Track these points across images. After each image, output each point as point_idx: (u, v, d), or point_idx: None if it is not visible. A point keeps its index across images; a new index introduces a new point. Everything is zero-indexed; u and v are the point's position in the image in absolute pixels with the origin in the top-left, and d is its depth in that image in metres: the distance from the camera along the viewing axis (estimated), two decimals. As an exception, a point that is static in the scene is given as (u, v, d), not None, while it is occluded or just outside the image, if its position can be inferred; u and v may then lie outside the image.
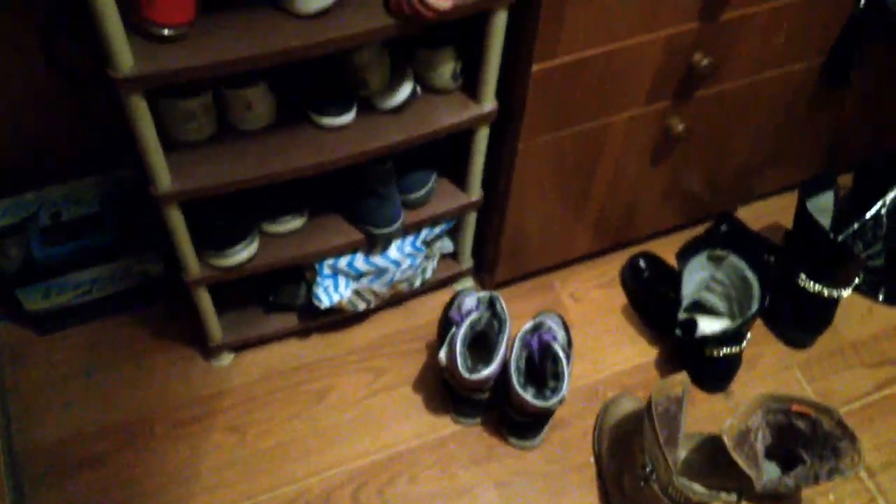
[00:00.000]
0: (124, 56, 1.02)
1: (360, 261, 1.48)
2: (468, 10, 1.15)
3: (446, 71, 1.31)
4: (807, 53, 1.44)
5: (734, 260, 1.54)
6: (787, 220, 1.67)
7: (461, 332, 1.40)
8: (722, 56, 1.34)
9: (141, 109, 1.09)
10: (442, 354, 1.42)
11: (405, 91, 1.30)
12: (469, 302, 1.46)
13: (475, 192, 1.49)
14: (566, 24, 1.18)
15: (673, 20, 1.25)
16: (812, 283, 1.56)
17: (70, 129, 1.48)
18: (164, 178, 1.20)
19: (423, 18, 1.09)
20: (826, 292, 1.56)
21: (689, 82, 1.37)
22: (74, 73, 1.39)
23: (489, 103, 1.32)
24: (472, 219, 1.56)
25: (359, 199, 1.41)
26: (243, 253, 1.37)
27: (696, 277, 1.57)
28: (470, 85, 1.33)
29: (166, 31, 1.04)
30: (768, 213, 1.83)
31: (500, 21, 1.19)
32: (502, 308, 1.45)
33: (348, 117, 1.29)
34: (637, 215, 1.65)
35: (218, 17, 1.09)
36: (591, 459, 1.49)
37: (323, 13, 1.10)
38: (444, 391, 1.53)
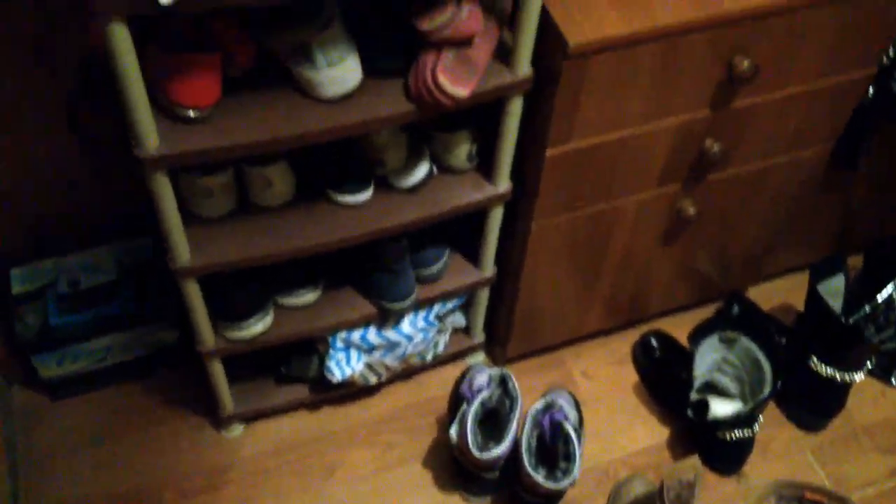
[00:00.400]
0: (150, 136, 1.05)
1: (372, 334, 1.49)
2: (485, 98, 1.18)
3: (462, 152, 1.34)
4: (816, 139, 1.47)
5: (746, 342, 1.54)
6: (799, 301, 1.67)
7: (472, 410, 1.40)
8: (733, 142, 1.36)
9: (164, 187, 1.11)
10: (452, 432, 1.42)
11: (422, 171, 1.33)
12: (480, 379, 1.47)
13: (488, 269, 1.50)
14: (580, 111, 1.21)
15: (684, 108, 1.28)
16: (824, 366, 1.56)
17: (91, 196, 1.51)
18: (183, 252, 1.22)
19: (441, 106, 1.12)
20: (839, 376, 1.56)
21: (701, 167, 1.39)
22: (97, 142, 1.42)
23: (504, 184, 1.34)
24: (484, 294, 1.57)
25: (373, 273, 1.43)
26: (258, 325, 1.38)
27: (708, 359, 1.57)
28: (485, 165, 1.35)
29: (192, 113, 1.07)
30: (780, 293, 1.83)
31: (515, 107, 1.22)
32: (514, 386, 1.45)
33: (366, 195, 1.31)
34: (649, 294, 1.66)
35: (241, 99, 1.12)
36: (601, 542, 1.48)
37: (344, 98, 1.14)
38: (453, 468, 1.52)
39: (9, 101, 1.34)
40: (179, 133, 1.08)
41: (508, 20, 1.18)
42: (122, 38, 0.93)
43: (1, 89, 1.32)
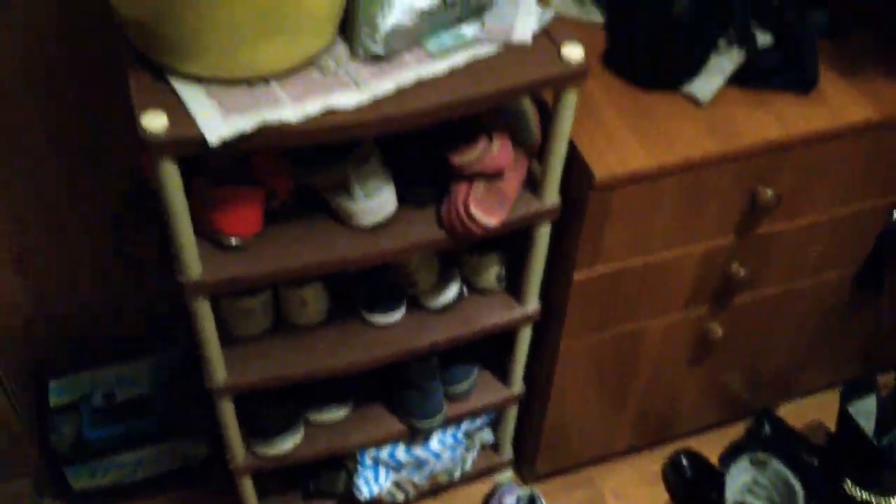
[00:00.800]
0: (194, 264, 1.09)
1: (401, 451, 1.50)
2: (514, 225, 1.22)
3: (491, 274, 1.37)
4: (841, 263, 1.49)
5: (777, 465, 1.52)
6: (830, 419, 1.65)
7: (500, 532, 1.39)
8: (758, 266, 1.39)
9: (204, 311, 1.15)
10: (480, 554, 1.40)
11: (452, 292, 1.36)
12: (509, 499, 1.46)
13: (517, 386, 1.52)
14: (606, 237, 1.24)
15: (709, 235, 1.31)
16: (858, 489, 1.53)
17: (130, 310, 1.56)
18: (219, 372, 1.25)
19: (473, 235, 1.16)
20: (874, 500, 1.53)
21: (727, 290, 1.41)
22: (140, 261, 1.48)
23: (532, 305, 1.37)
24: (513, 412, 1.58)
25: (402, 391, 1.45)
26: (288, 443, 1.40)
27: (739, 480, 1.56)
28: (514, 286, 1.38)
29: (234, 241, 1.12)
30: (811, 411, 1.82)
31: (543, 233, 1.26)
32: (542, 507, 1.44)
33: (398, 315, 1.34)
34: (678, 412, 1.65)
35: (281, 227, 1.17)
36: None
37: (379, 226, 1.18)
38: (480, 591, 1.50)
39: (56, 219, 1.41)
40: (221, 260, 1.12)
41: (537, 152, 1.23)
42: (172, 176, 0.98)
43: (50, 208, 1.39)
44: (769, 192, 1.25)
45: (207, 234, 1.13)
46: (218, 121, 0.94)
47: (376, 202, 1.14)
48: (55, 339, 1.56)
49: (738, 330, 1.49)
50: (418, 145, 1.20)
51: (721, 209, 1.28)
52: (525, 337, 1.43)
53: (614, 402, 1.56)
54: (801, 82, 1.24)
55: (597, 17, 1.33)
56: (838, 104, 1.25)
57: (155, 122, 0.92)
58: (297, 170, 1.16)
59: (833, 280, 1.51)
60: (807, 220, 1.36)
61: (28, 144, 1.31)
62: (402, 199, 1.18)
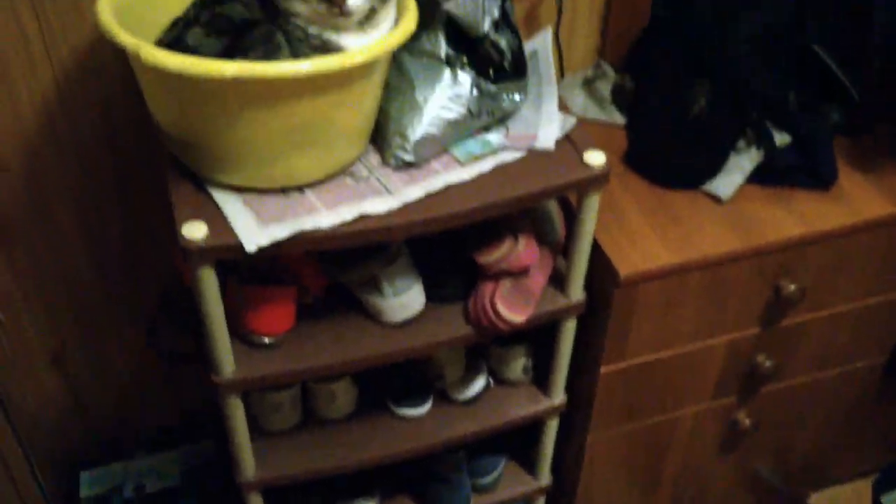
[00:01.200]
0: (227, 363, 1.12)
1: (428, 544, 1.49)
2: (540, 320, 1.24)
3: (518, 366, 1.39)
4: (868, 353, 1.49)
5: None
6: (865, 509, 1.64)
7: None
8: (784, 357, 1.39)
9: (236, 408, 1.17)
10: None
11: (479, 384, 1.38)
12: None
13: (544, 478, 1.51)
14: (632, 331, 1.26)
15: (734, 327, 1.32)
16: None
17: (161, 403, 1.59)
18: (249, 467, 1.26)
19: (499, 331, 1.18)
20: None
21: (754, 381, 1.41)
22: (173, 355, 1.51)
23: (559, 397, 1.38)
24: (541, 502, 1.57)
25: (429, 483, 1.45)
26: (316, 536, 1.40)
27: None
28: (541, 378, 1.39)
29: (266, 340, 1.15)
30: (844, 499, 1.79)
31: (569, 328, 1.28)
32: None
33: (425, 408, 1.36)
34: (709, 502, 1.64)
35: (312, 323, 1.20)
36: None
37: (407, 322, 1.21)
38: None
39: (92, 318, 1.45)
40: (254, 358, 1.15)
41: (561, 248, 1.26)
42: (210, 281, 1.01)
43: (86, 307, 1.44)
44: (792, 287, 1.26)
45: (240, 332, 1.16)
46: (255, 229, 0.98)
47: (405, 300, 1.17)
48: (88, 432, 1.59)
49: (766, 419, 1.49)
50: (446, 244, 1.23)
51: (745, 303, 1.29)
52: (552, 429, 1.43)
53: (644, 492, 1.55)
54: (820, 179, 1.27)
55: (618, 118, 1.37)
56: (857, 200, 1.27)
57: (195, 232, 0.97)
58: (328, 268, 1.19)
59: (861, 370, 1.51)
60: (831, 312, 1.37)
61: (67, 247, 1.36)
62: (429, 295, 1.21)
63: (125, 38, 0.90)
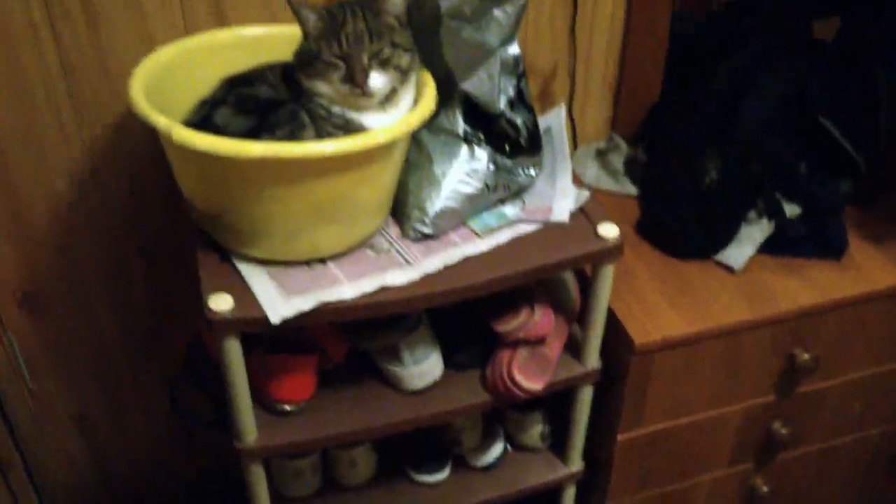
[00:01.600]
0: (250, 431, 1.14)
1: None
2: (557, 388, 1.25)
3: (535, 432, 1.40)
4: (885, 418, 1.49)
5: None
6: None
7: None
8: (800, 424, 1.40)
9: (258, 475, 1.19)
10: None
11: (497, 450, 1.39)
12: None
13: (562, 545, 1.51)
14: (648, 399, 1.27)
15: (750, 395, 1.33)
16: None
17: (182, 468, 1.61)
18: (269, 534, 1.27)
19: (516, 398, 1.20)
20: None
21: (770, 447, 1.41)
22: (196, 422, 1.53)
23: (576, 464, 1.38)
24: (559, 570, 1.56)
25: (448, 550, 1.45)
26: None
27: None
28: (558, 444, 1.40)
29: (287, 408, 1.17)
30: (866, 567, 1.77)
31: (586, 395, 1.29)
32: None
33: (443, 475, 1.36)
34: (727, 570, 1.62)
35: (332, 389, 1.21)
36: None
37: (426, 389, 1.22)
38: None
39: (114, 382, 1.48)
40: (276, 425, 1.17)
41: (577, 317, 1.28)
42: (234, 351, 1.04)
43: (109, 372, 1.47)
44: (806, 355, 1.27)
45: (263, 399, 1.18)
46: (279, 302, 1.01)
47: (424, 368, 1.19)
48: (110, 495, 1.60)
49: (784, 485, 1.49)
50: (464, 311, 1.25)
51: (760, 371, 1.31)
52: (570, 496, 1.43)
53: (662, 560, 1.54)
54: (831, 250, 1.29)
55: (631, 189, 1.41)
56: (868, 269, 1.29)
57: (221, 304, 1.00)
58: (349, 335, 1.22)
59: (875, 436, 1.50)
60: (846, 379, 1.38)
61: (94, 314, 1.40)
62: (448, 362, 1.23)
63: (158, 120, 0.94)
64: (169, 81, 1.07)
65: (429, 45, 1.06)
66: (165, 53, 1.08)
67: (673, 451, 1.36)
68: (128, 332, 1.43)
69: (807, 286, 1.26)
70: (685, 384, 1.28)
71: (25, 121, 1.19)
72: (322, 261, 1.07)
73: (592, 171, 1.43)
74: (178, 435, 1.56)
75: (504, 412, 1.41)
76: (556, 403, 1.37)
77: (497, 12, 1.06)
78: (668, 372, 1.25)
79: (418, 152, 1.11)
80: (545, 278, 1.24)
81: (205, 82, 1.08)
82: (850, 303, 1.26)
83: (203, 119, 1.02)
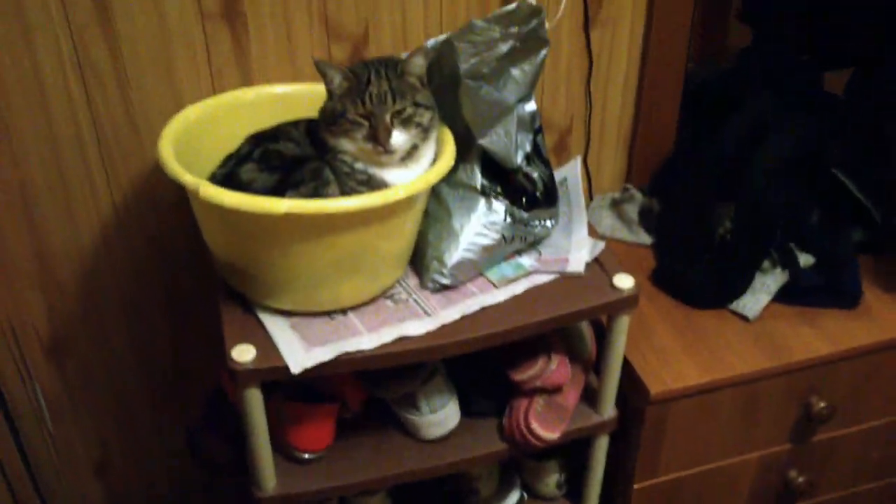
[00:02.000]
0: (269, 478, 1.15)
1: None
2: (573, 436, 1.26)
3: (552, 481, 1.40)
4: (903, 467, 1.49)
5: None
6: None
7: None
8: (817, 473, 1.40)
9: (277, 523, 1.20)
10: None
11: (513, 499, 1.39)
12: None
13: None
14: (664, 447, 1.28)
15: (765, 443, 1.34)
16: None
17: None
18: (287, 582, 1.27)
19: (533, 447, 1.21)
20: None
21: (787, 496, 1.41)
22: (213, 466, 1.54)
23: (593, 513, 1.39)
24: None
25: None
26: None
27: None
28: (574, 492, 1.40)
29: (306, 456, 1.19)
30: None
31: (602, 444, 1.30)
32: None
33: (459, 523, 1.37)
34: None
35: (350, 437, 1.23)
36: None
37: (443, 438, 1.24)
38: None
39: (136, 423, 1.50)
40: (295, 473, 1.18)
41: (593, 366, 1.29)
42: (255, 400, 1.06)
43: (130, 419, 1.49)
44: (822, 404, 1.28)
45: (282, 447, 1.20)
46: (301, 352, 1.03)
47: (441, 417, 1.21)
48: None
49: (802, 535, 1.48)
50: (481, 361, 1.27)
51: (776, 419, 1.31)
52: (586, 544, 1.43)
53: None
54: (845, 299, 1.30)
55: (645, 239, 1.43)
56: (883, 318, 1.30)
57: (244, 355, 1.02)
58: (367, 384, 1.23)
59: (894, 485, 1.50)
60: (862, 428, 1.38)
61: (116, 361, 1.42)
62: (465, 410, 1.24)
63: (186, 177, 0.97)
64: (196, 137, 1.11)
65: (449, 102, 1.09)
66: (193, 112, 1.12)
67: (689, 500, 1.36)
68: (149, 379, 1.45)
69: (821, 335, 1.27)
70: (701, 433, 1.28)
71: (55, 173, 1.23)
72: (343, 311, 1.09)
73: (608, 221, 1.46)
74: (197, 482, 1.57)
75: (520, 460, 1.42)
76: (572, 451, 1.38)
77: (514, 71, 1.10)
78: (684, 421, 1.25)
79: (437, 205, 1.14)
80: (561, 328, 1.26)
81: (231, 138, 1.11)
82: (865, 351, 1.27)
83: (229, 174, 1.05)
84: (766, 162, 1.29)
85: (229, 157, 1.10)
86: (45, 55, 1.14)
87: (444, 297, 1.12)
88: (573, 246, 1.18)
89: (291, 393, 1.20)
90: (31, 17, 1.11)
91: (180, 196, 1.06)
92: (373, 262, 1.05)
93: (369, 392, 1.23)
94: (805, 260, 1.31)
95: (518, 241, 1.15)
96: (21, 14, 1.10)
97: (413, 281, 1.15)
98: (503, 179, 1.14)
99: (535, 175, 1.15)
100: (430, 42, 1.10)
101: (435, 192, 1.14)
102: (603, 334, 1.19)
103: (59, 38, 1.13)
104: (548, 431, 1.20)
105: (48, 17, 1.11)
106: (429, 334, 1.08)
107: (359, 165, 1.04)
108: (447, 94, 1.09)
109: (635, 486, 1.31)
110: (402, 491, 1.38)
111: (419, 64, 1.04)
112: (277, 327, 1.06)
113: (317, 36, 1.23)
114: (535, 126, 1.16)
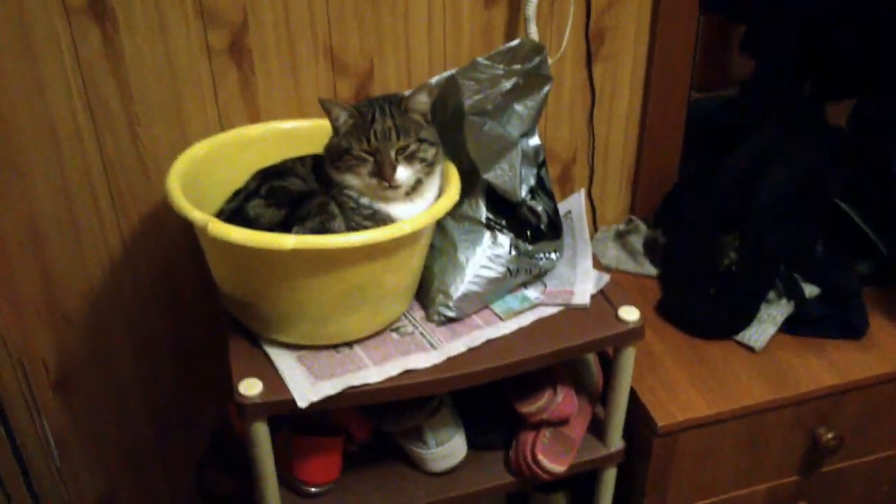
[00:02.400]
0: (275, 513, 1.16)
1: None
2: (580, 468, 1.26)
3: (559, 513, 1.40)
4: (914, 499, 1.47)
5: None
6: None
7: None
8: (827, 504, 1.39)
9: (283, 558, 1.20)
10: None
11: (520, 531, 1.39)
12: None
13: None
14: (672, 480, 1.27)
15: (774, 475, 1.33)
16: None
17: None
18: None
19: (540, 480, 1.21)
20: None
21: (797, 529, 1.40)
22: (221, 499, 1.54)
23: (601, 547, 1.38)
24: None
25: None
26: None
27: None
28: (582, 525, 1.40)
29: (313, 490, 1.18)
30: None
31: (609, 476, 1.29)
32: None
33: (466, 557, 1.36)
34: None
35: (356, 470, 1.23)
36: None
37: (450, 470, 1.23)
38: None
39: (143, 457, 1.50)
40: (301, 508, 1.18)
41: (600, 397, 1.29)
42: (262, 433, 1.06)
43: (136, 455, 1.49)
44: (829, 435, 1.27)
45: (288, 480, 1.19)
46: (307, 386, 1.03)
47: (447, 450, 1.21)
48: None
49: (813, 568, 1.47)
50: (487, 393, 1.27)
51: (783, 451, 1.30)
52: (595, 580, 1.42)
53: None
54: (851, 330, 1.30)
55: (650, 270, 1.43)
56: (890, 349, 1.30)
57: (251, 389, 1.02)
58: (373, 417, 1.23)
59: (907, 516, 1.49)
60: (870, 459, 1.37)
61: (123, 394, 1.43)
62: (471, 442, 1.24)
63: (194, 214, 0.98)
64: (204, 173, 1.12)
65: (453, 138, 1.10)
66: (201, 149, 1.13)
67: (698, 533, 1.35)
68: (156, 412, 1.46)
69: (828, 366, 1.27)
70: (708, 465, 1.28)
71: (64, 208, 1.24)
72: (349, 344, 1.10)
73: (612, 253, 1.46)
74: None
75: (528, 493, 1.41)
76: (579, 483, 1.37)
77: (518, 107, 1.11)
78: (692, 453, 1.25)
79: (443, 239, 1.15)
80: (567, 360, 1.26)
81: (238, 173, 1.13)
82: (872, 383, 1.27)
83: (236, 210, 1.07)
84: (770, 193, 1.30)
85: (237, 192, 1.11)
86: (55, 92, 1.15)
87: (449, 330, 1.13)
88: (578, 278, 1.19)
89: (298, 426, 1.20)
90: (40, 55, 1.13)
91: (188, 230, 1.07)
92: (379, 295, 1.06)
93: (375, 425, 1.24)
94: (810, 291, 1.32)
95: (523, 273, 1.16)
96: (30, 51, 1.12)
97: (419, 314, 1.16)
98: (508, 213, 1.15)
99: (540, 208, 1.16)
100: (434, 79, 1.11)
101: (440, 226, 1.15)
102: (609, 366, 1.19)
103: (69, 75, 1.15)
104: (554, 464, 1.20)
105: (58, 54, 1.13)
106: (435, 367, 1.08)
107: (364, 200, 1.05)
108: (452, 130, 1.10)
109: (643, 520, 1.31)
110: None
111: (423, 101, 1.05)
112: (284, 361, 1.07)
113: (322, 72, 1.25)
114: (538, 160, 1.17)
